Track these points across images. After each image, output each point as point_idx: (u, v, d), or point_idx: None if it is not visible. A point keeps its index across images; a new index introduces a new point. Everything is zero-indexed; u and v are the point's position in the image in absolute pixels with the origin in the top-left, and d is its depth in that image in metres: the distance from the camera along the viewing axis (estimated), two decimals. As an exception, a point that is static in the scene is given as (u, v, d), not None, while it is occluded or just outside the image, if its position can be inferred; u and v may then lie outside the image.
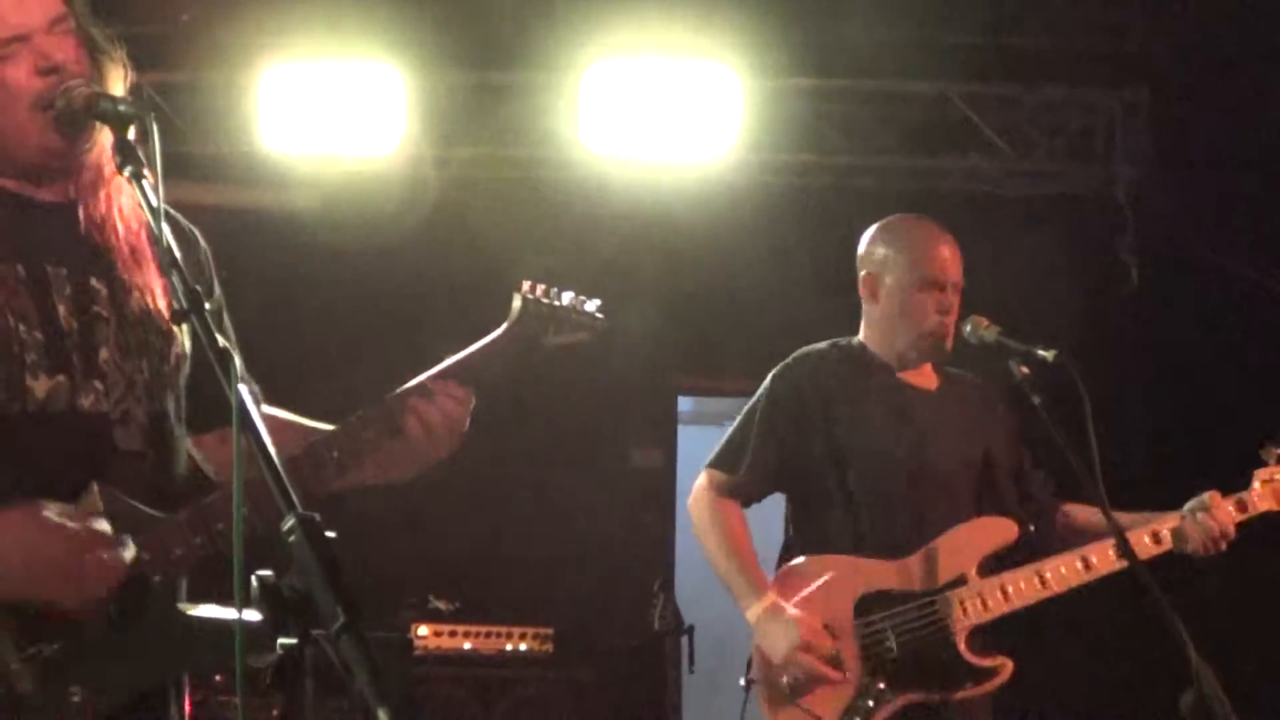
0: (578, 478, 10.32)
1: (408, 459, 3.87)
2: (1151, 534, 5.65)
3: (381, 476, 3.87)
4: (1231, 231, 9.82)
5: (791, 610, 5.46)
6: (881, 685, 5.43)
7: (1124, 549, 5.32)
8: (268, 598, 2.62)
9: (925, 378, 5.85)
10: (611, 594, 9.72)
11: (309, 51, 9.42)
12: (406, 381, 3.87)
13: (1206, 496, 5.69)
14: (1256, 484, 5.77)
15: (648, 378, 10.59)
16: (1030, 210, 10.27)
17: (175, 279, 3.02)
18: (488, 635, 9.23)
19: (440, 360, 3.93)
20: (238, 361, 2.91)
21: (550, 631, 9.33)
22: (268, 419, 3.43)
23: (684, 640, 8.33)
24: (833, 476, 5.66)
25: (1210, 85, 9.55)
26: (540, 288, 4.04)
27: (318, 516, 2.67)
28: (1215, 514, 5.65)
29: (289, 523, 2.66)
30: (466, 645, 9.20)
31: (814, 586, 5.54)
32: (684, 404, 11.68)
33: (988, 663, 5.55)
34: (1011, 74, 10.04)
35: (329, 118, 9.46)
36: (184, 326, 3.70)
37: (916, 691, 5.48)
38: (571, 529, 10.27)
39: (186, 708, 3.69)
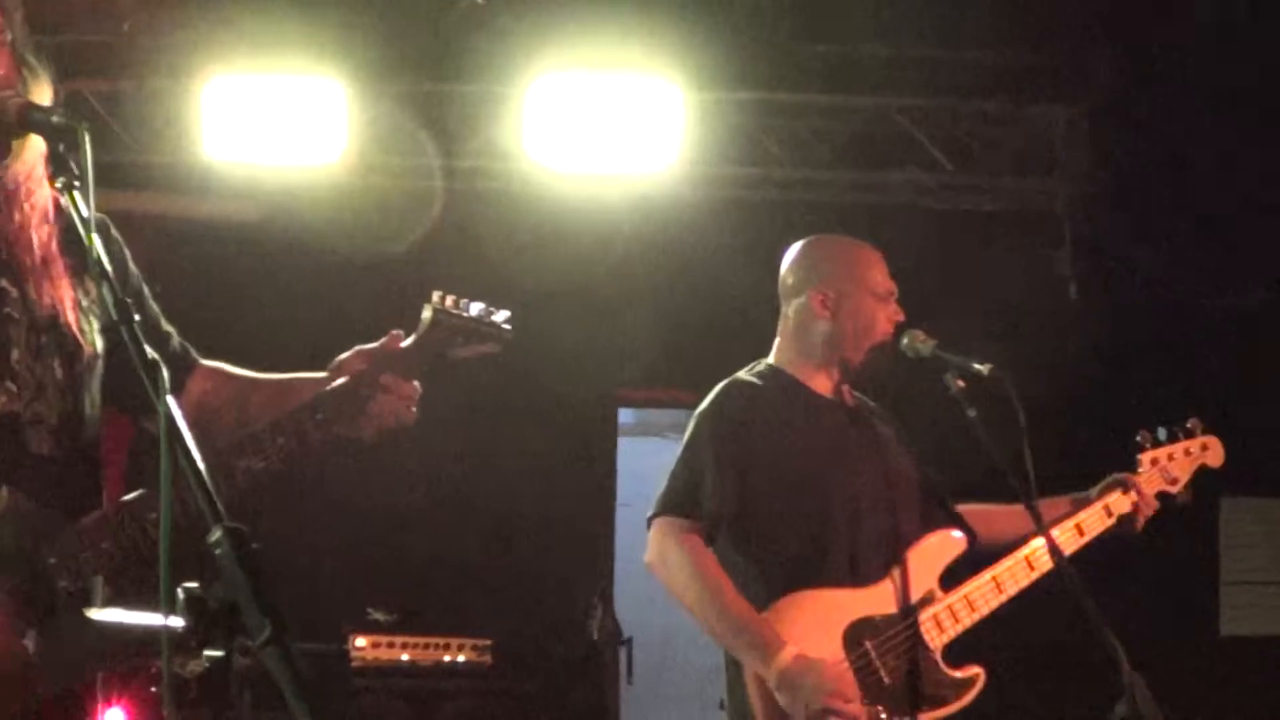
0: (517, 489, 10.31)
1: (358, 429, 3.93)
2: (1075, 526, 5.72)
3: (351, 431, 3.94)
4: (1169, 246, 9.89)
5: (814, 660, 5.34)
6: (883, 715, 5.40)
7: (1054, 554, 5.37)
8: (194, 610, 2.62)
9: (847, 398, 5.83)
10: (550, 605, 9.72)
11: (252, 62, 9.40)
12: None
13: (1122, 476, 5.81)
14: (1144, 467, 5.88)
15: (588, 389, 10.59)
16: (969, 224, 10.31)
17: (106, 290, 3.02)
18: (426, 646, 9.21)
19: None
20: (165, 372, 2.90)
21: (489, 643, 9.30)
22: (231, 376, 3.48)
23: (622, 651, 8.33)
24: (786, 508, 5.56)
25: (1150, 100, 9.62)
26: (450, 299, 4.05)
27: (244, 528, 2.68)
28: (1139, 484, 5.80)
29: (215, 534, 2.66)
30: (404, 656, 9.17)
31: (803, 626, 5.42)
32: (624, 416, 11.69)
33: (965, 674, 5.56)
34: (952, 88, 10.07)
35: (271, 128, 9.44)
36: (95, 328, 3.70)
37: (913, 713, 5.46)
38: (510, 540, 10.26)
39: (99, 712, 3.68)
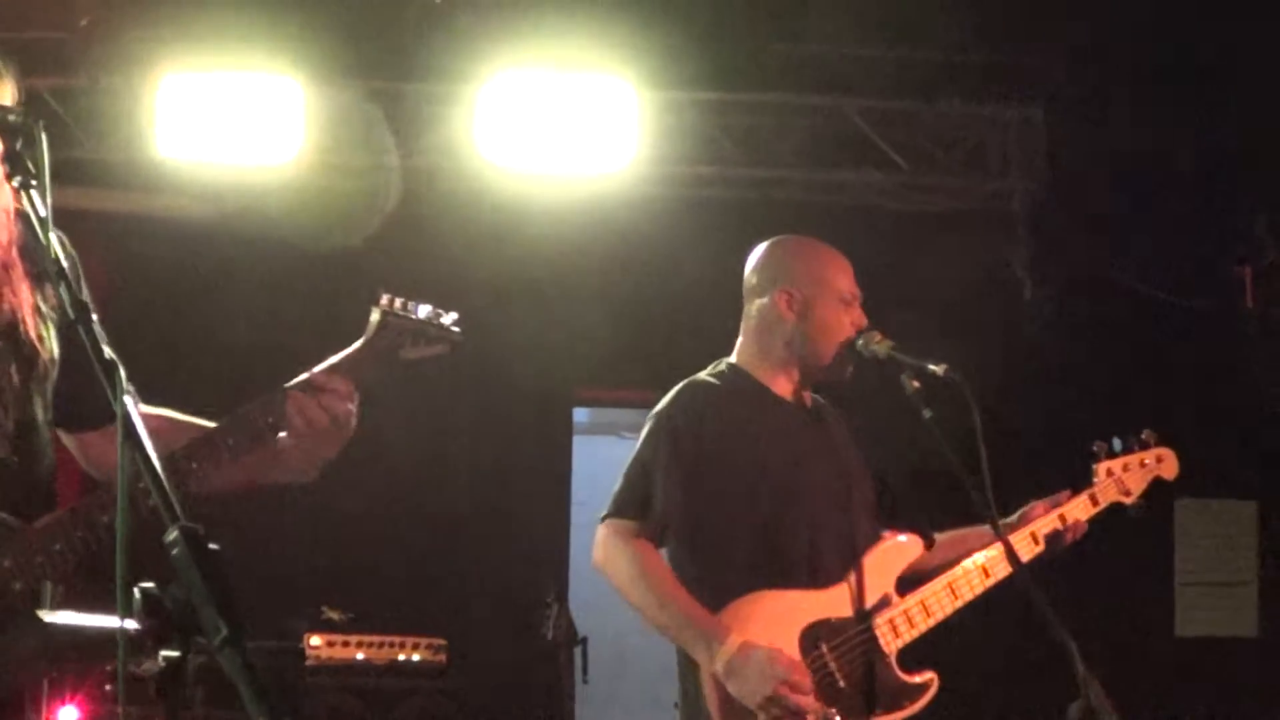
0: (473, 489, 10.30)
1: (295, 458, 3.88)
2: (1030, 535, 5.74)
3: (273, 476, 3.88)
4: (1124, 245, 9.93)
5: (763, 646, 5.33)
6: (838, 718, 5.39)
7: (1011, 558, 5.38)
8: (151, 609, 2.61)
9: (806, 400, 5.82)
10: (505, 605, 9.71)
11: (207, 60, 9.37)
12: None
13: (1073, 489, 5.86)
14: (1099, 477, 5.91)
15: (544, 388, 10.58)
16: (925, 224, 10.33)
17: (63, 290, 3.02)
18: (380, 645, 9.19)
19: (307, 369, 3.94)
20: (122, 372, 2.89)
21: (443, 642, 9.29)
22: (148, 418, 3.43)
23: (577, 651, 8.32)
24: (743, 510, 5.54)
25: (1104, 100, 9.65)
26: (398, 301, 4.04)
27: (200, 528, 2.67)
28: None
29: (171, 534, 2.66)
30: (359, 655, 9.15)
31: (759, 628, 5.39)
32: (580, 415, 11.69)
33: (919, 679, 5.57)
34: (907, 88, 10.10)
35: (226, 126, 9.42)
36: (51, 333, 3.69)
37: (868, 717, 5.46)
38: (465, 540, 10.25)
39: (44, 715, 3.67)
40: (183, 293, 9.74)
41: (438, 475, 10.29)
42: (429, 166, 10.02)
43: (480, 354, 4.20)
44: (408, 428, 9.06)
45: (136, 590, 2.62)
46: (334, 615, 9.18)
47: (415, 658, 9.24)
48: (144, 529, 3.23)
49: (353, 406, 3.87)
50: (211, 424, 3.88)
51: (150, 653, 2.68)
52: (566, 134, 9.58)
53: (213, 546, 2.64)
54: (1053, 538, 5.81)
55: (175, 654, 2.62)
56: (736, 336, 5.87)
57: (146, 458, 2.78)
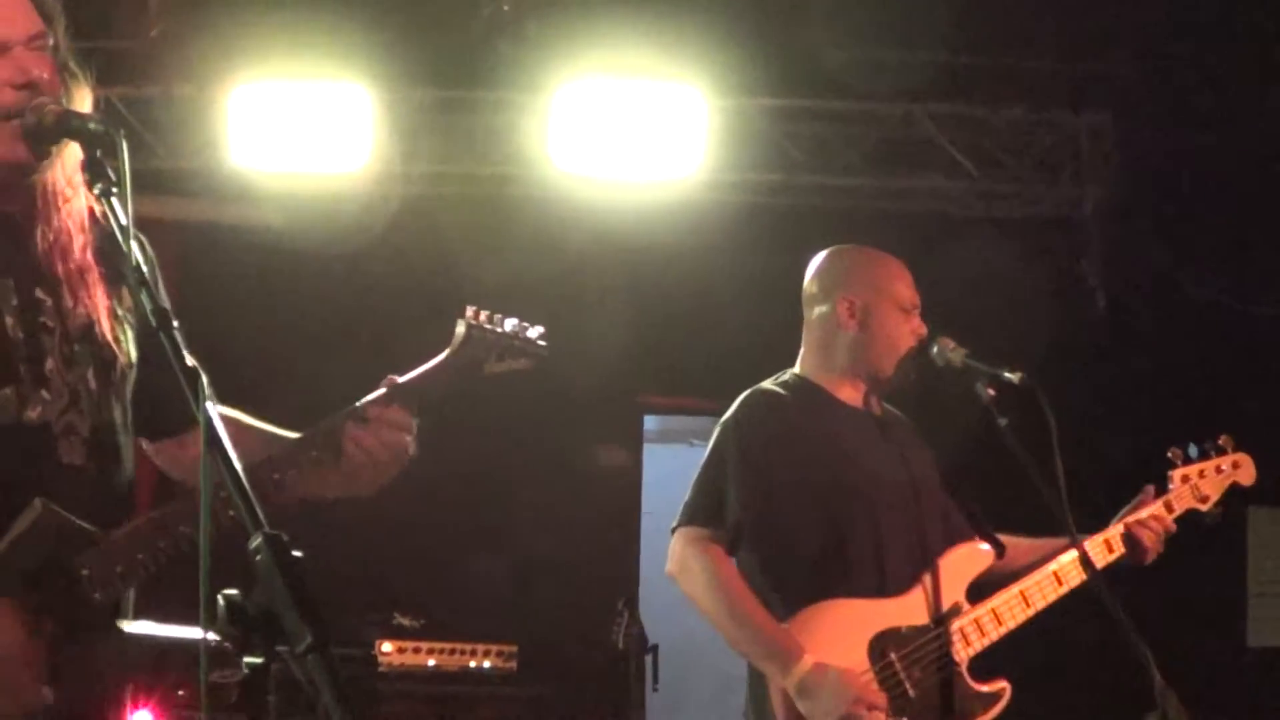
0: (543, 496, 10.30)
1: (355, 481, 3.87)
2: (1104, 542, 5.70)
3: (340, 490, 3.88)
4: (1194, 251, 9.87)
5: (836, 667, 5.30)
6: None
7: (1085, 565, 5.35)
8: (234, 617, 2.62)
9: (874, 407, 5.80)
10: (576, 612, 9.70)
11: (278, 69, 9.41)
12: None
13: (1148, 496, 5.80)
14: (1174, 484, 5.86)
15: (614, 396, 10.58)
16: (995, 231, 10.28)
17: (144, 297, 3.03)
18: (451, 652, 9.20)
19: (384, 376, 3.94)
20: (204, 380, 2.90)
21: (514, 649, 9.30)
22: (227, 421, 3.44)
23: (648, 658, 8.32)
24: (815, 519, 5.52)
25: (1174, 105, 9.60)
26: (484, 314, 4.02)
27: (285, 536, 2.67)
28: (1156, 511, 5.75)
29: (255, 541, 2.66)
30: (430, 662, 9.17)
31: (827, 636, 5.37)
32: (649, 422, 11.68)
33: (991, 688, 5.54)
34: (977, 94, 10.06)
35: (297, 134, 9.46)
36: (129, 338, 3.71)
37: None
38: (536, 547, 10.25)
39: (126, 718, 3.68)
40: (254, 301, 9.78)
41: (508, 482, 10.30)
42: (498, 174, 10.03)
43: (551, 361, 4.19)
44: (479, 436, 9.06)
45: (220, 598, 2.63)
46: (405, 622, 9.20)
47: (486, 664, 9.25)
48: (222, 537, 3.25)
49: (410, 437, 3.86)
50: (281, 431, 3.90)
51: (232, 661, 2.69)
52: (635, 141, 9.57)
53: (296, 554, 2.64)
54: (1134, 540, 5.77)
55: (258, 661, 2.63)
56: (799, 341, 5.87)
57: (231, 467, 2.79)
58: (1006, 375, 5.41)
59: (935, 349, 5.62)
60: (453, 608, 9.58)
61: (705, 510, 5.50)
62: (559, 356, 4.14)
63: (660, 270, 10.22)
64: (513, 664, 9.29)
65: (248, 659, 2.63)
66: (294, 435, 3.87)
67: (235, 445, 2.86)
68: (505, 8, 9.31)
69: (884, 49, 9.68)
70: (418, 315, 9.16)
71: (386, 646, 9.11)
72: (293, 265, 9.88)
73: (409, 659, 9.15)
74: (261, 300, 9.89)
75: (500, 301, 4.14)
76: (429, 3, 9.35)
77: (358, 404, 3.86)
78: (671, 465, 9.99)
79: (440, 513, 9.66)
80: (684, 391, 10.77)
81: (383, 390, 3.87)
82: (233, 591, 2.63)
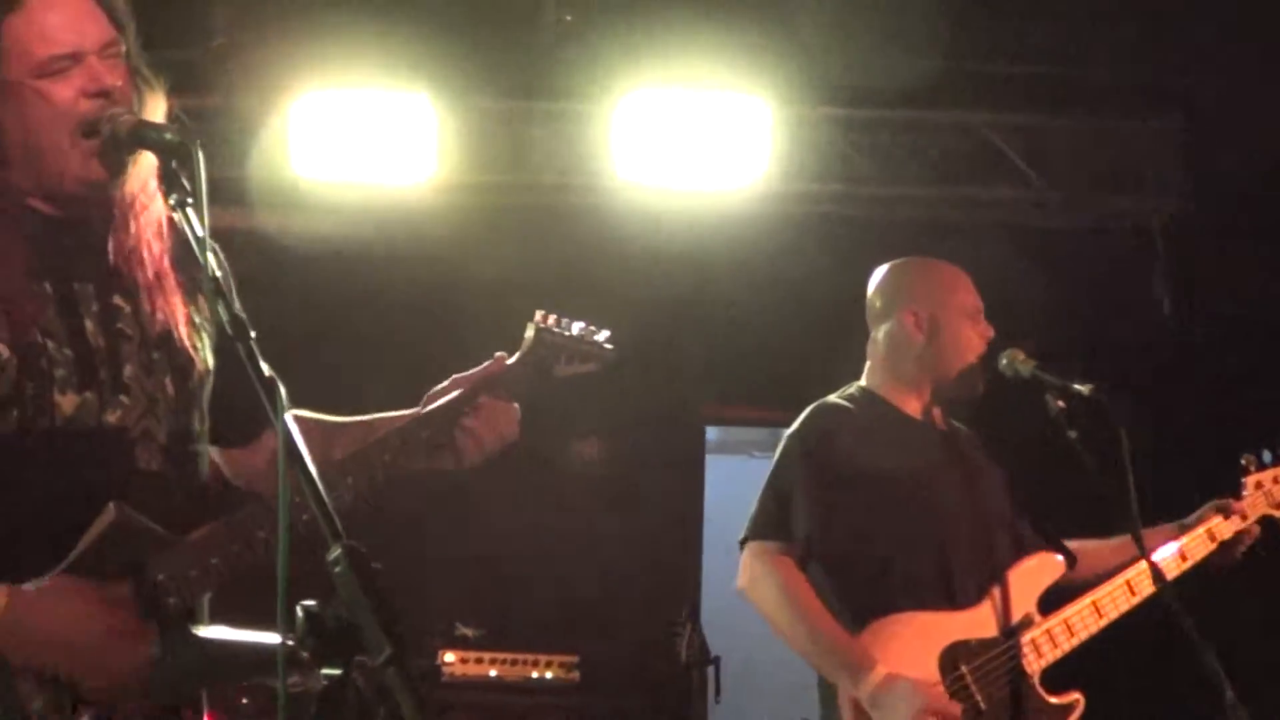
0: (605, 507, 10.30)
1: (457, 457, 3.95)
2: (1178, 553, 5.68)
3: (443, 465, 3.96)
4: (1263, 261, 9.79)
5: (908, 677, 5.29)
6: None
7: (1158, 578, 5.33)
8: (313, 628, 2.61)
9: (939, 420, 5.79)
10: (637, 624, 9.69)
11: (341, 79, 9.43)
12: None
13: (1225, 500, 5.77)
14: (1248, 490, 5.82)
15: (676, 407, 10.57)
16: (1061, 242, 10.23)
17: (221, 307, 3.04)
18: (513, 663, 9.21)
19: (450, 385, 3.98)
20: (282, 390, 2.91)
21: (575, 660, 9.30)
22: (301, 423, 3.46)
23: (710, 671, 8.30)
24: (883, 533, 5.51)
25: (1243, 115, 9.53)
26: (552, 318, 4.07)
27: (363, 547, 2.67)
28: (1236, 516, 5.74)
29: (335, 552, 2.66)
30: (492, 672, 9.18)
31: (898, 649, 5.36)
32: (710, 434, 11.66)
33: (1063, 700, 5.52)
34: (1042, 104, 10.01)
35: (360, 145, 9.48)
36: (206, 345, 3.73)
37: None
38: (598, 557, 10.25)
39: None
40: (317, 311, 9.80)
41: (570, 492, 10.30)
42: (562, 184, 10.03)
43: (611, 372, 4.21)
44: (541, 447, 9.06)
45: (299, 608, 2.63)
46: (468, 632, 9.20)
47: (548, 675, 9.25)
48: (297, 545, 3.26)
49: (516, 421, 3.97)
50: (358, 419, 3.94)
51: (305, 670, 2.68)
52: (698, 151, 9.56)
53: (376, 565, 2.64)
54: (1228, 545, 5.75)
55: (336, 672, 2.62)
56: (862, 352, 5.86)
57: (310, 478, 2.79)
58: (1076, 387, 5.39)
59: (1004, 360, 5.62)
60: (514, 618, 9.58)
61: (773, 524, 5.50)
62: (621, 367, 4.16)
63: (723, 280, 10.21)
64: (574, 675, 9.29)
65: (326, 670, 2.62)
66: (393, 415, 3.96)
67: (311, 448, 2.87)
68: (568, 18, 9.30)
69: (949, 58, 9.63)
70: (482, 325, 9.21)
71: (449, 657, 9.13)
72: (355, 276, 9.90)
73: (471, 669, 9.16)
74: (323, 311, 9.90)
75: (559, 311, 4.16)
76: (492, 12, 9.35)
77: (465, 393, 3.93)
78: (733, 476, 9.99)
79: (502, 523, 9.67)
80: (745, 402, 10.75)
81: (456, 394, 3.91)
82: (311, 602, 2.63)
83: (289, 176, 9.61)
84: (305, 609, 2.63)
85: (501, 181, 9.98)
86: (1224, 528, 5.80)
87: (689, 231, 9.93)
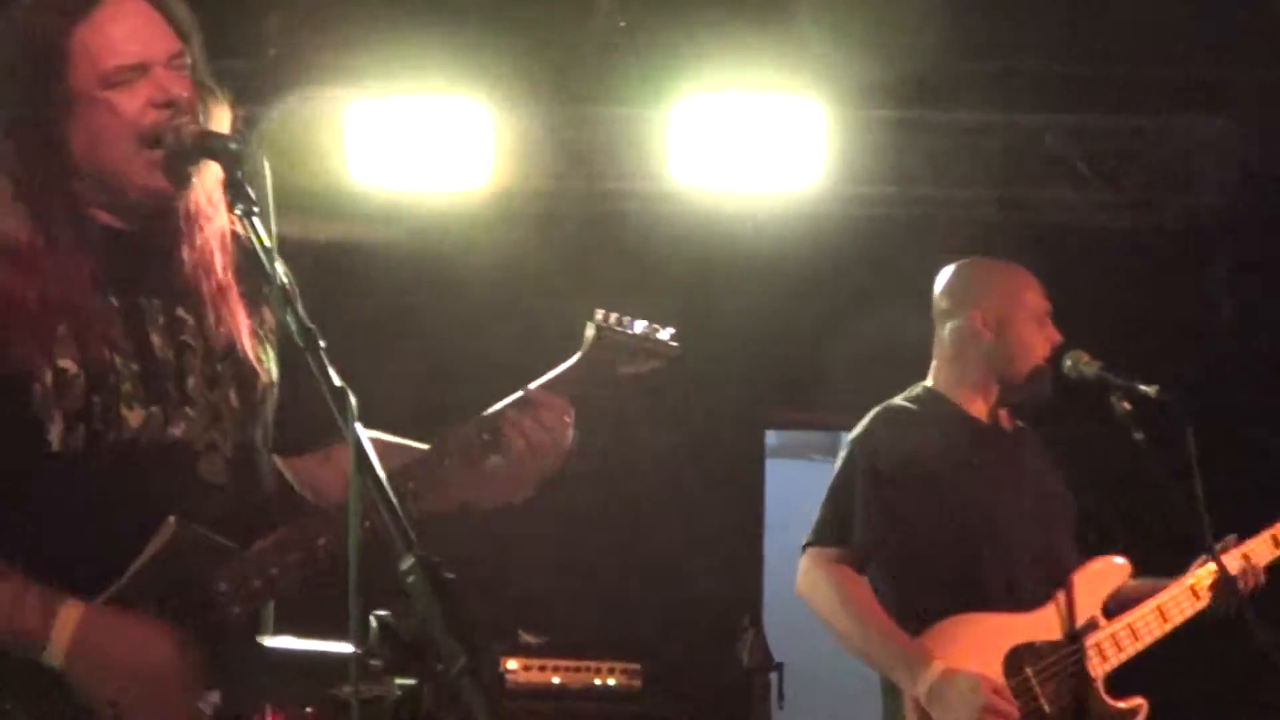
0: (665, 512, 10.28)
1: (513, 477, 3.87)
2: (1242, 556, 5.66)
3: (486, 497, 3.89)
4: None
5: (967, 671, 5.28)
6: None
7: (1224, 581, 5.32)
8: (387, 638, 2.61)
9: (1005, 422, 5.78)
10: (699, 629, 9.67)
11: (396, 86, 9.44)
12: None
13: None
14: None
15: (735, 410, 10.55)
16: (1118, 242, 10.18)
17: (290, 316, 3.04)
18: (576, 670, 9.18)
19: (514, 391, 3.93)
20: (352, 399, 2.91)
21: (638, 667, 9.27)
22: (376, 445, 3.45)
23: (773, 676, 8.28)
24: (946, 536, 5.50)
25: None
26: (613, 316, 4.02)
27: (436, 557, 2.67)
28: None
29: (407, 562, 2.66)
30: (555, 679, 9.14)
31: (961, 651, 5.36)
32: (770, 438, 11.64)
33: (1127, 705, 5.50)
34: (1101, 104, 9.96)
35: (416, 152, 9.48)
36: (270, 356, 3.72)
37: None
38: (659, 563, 10.23)
39: None
40: (375, 319, 9.81)
41: (629, 498, 10.28)
42: (618, 190, 10.03)
43: (670, 376, 4.19)
44: (599, 452, 9.04)
45: (373, 618, 2.62)
46: (530, 639, 9.19)
47: (611, 682, 9.22)
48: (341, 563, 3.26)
49: (569, 420, 3.86)
50: (419, 445, 3.90)
51: (373, 678, 2.68)
52: (754, 153, 9.52)
53: (448, 574, 2.63)
54: None
55: (411, 682, 2.62)
56: (926, 358, 5.84)
57: (380, 486, 2.79)
58: (1143, 388, 5.38)
59: (1069, 362, 5.62)
60: (576, 625, 9.57)
61: (834, 528, 5.53)
62: (679, 371, 4.14)
63: (780, 283, 10.18)
64: (637, 682, 9.25)
65: (400, 680, 2.62)
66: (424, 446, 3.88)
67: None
68: (621, 23, 9.29)
69: (1003, 58, 9.59)
70: (540, 330, 9.22)
71: (512, 664, 9.11)
72: (413, 283, 9.92)
73: (534, 676, 9.12)
74: (381, 319, 9.92)
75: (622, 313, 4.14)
76: (545, 18, 9.34)
77: (518, 395, 3.88)
78: (793, 480, 9.96)
79: (561, 528, 9.65)
80: (804, 406, 10.73)
81: (518, 394, 3.88)
82: (384, 612, 2.63)
83: (346, 184, 9.62)
84: (379, 618, 2.63)
85: (557, 187, 9.98)
86: None
87: (744, 234, 9.92)
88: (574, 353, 4.03)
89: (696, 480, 10.46)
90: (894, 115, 10.01)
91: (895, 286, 9.47)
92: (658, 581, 10.17)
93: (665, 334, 4.10)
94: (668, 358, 4.10)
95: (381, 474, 2.80)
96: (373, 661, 2.60)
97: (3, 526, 3.48)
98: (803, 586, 5.58)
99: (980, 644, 5.39)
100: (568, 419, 3.87)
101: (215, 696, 3.47)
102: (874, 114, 9.96)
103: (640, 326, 4.06)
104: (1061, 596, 5.48)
